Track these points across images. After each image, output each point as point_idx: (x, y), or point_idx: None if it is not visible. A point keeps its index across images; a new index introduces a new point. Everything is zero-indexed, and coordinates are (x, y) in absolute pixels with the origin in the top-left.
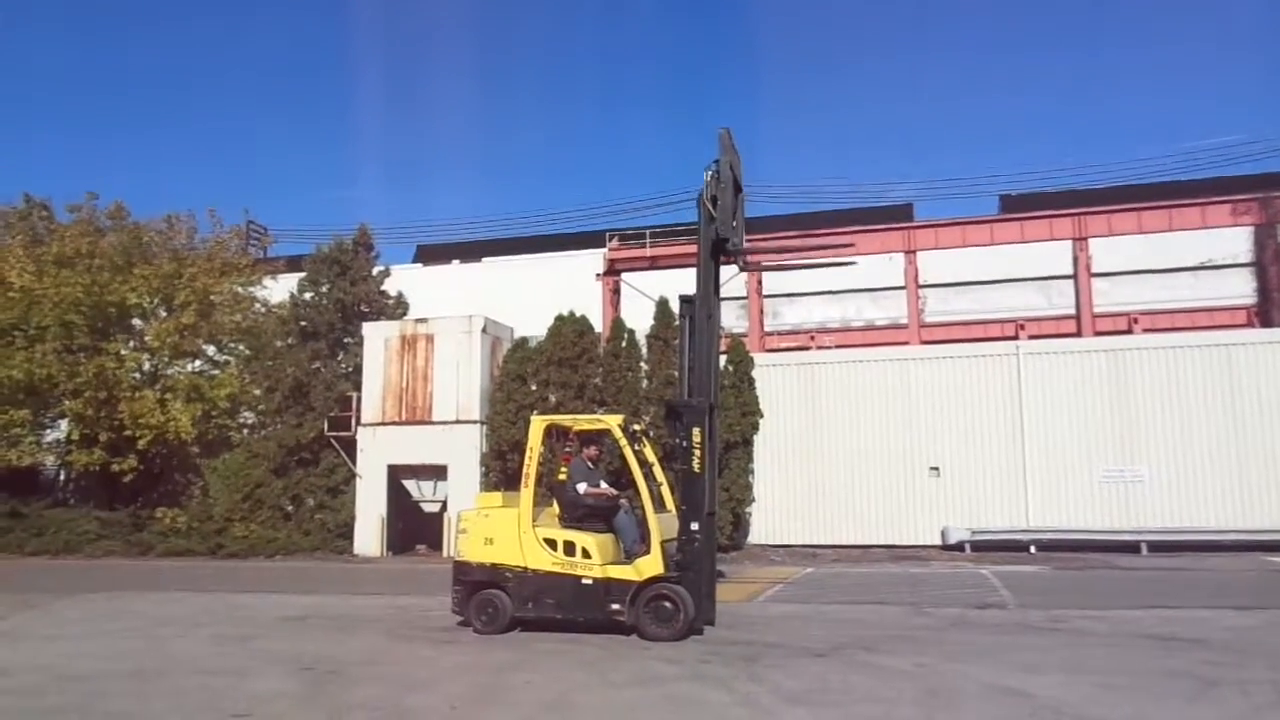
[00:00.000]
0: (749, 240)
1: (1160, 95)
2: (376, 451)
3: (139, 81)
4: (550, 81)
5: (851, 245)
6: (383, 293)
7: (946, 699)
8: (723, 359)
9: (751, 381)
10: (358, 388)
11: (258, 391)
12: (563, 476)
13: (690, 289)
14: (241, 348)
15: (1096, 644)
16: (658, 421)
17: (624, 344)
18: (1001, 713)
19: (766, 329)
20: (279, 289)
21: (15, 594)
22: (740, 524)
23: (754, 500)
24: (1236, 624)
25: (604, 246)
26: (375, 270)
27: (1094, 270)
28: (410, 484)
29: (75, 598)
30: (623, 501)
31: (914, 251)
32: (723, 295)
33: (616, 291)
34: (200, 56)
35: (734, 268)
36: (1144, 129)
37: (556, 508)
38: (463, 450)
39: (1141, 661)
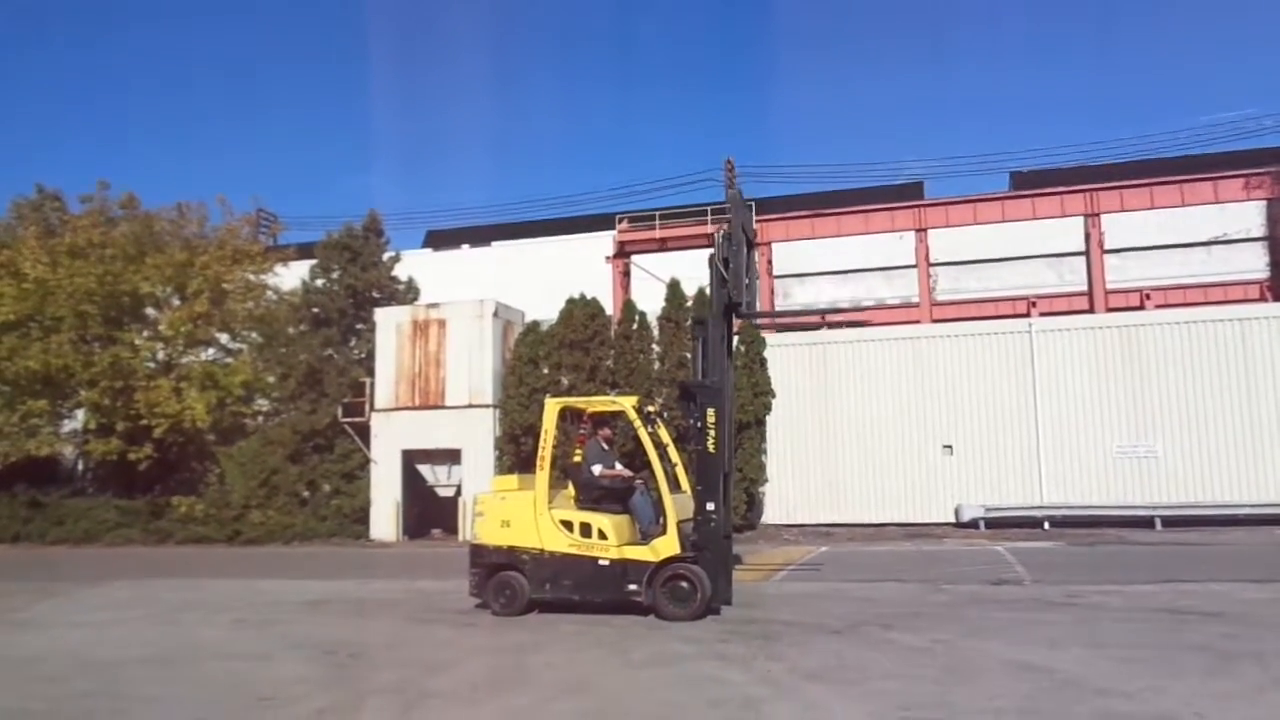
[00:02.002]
0: (782, 313)
1: (1172, 70)
2: (390, 437)
3: (148, 70)
4: (559, 64)
5: (866, 319)
6: (393, 278)
7: (965, 675)
8: (734, 339)
9: (764, 362)
10: (371, 373)
11: (271, 378)
12: (578, 459)
13: (695, 267)
14: (254, 335)
15: (1113, 619)
16: (671, 403)
17: (635, 326)
18: (1020, 688)
19: (778, 309)
20: (290, 276)
21: (38, 582)
22: (754, 504)
23: (767, 480)
24: (1252, 597)
25: (614, 229)
26: (386, 256)
27: (1106, 246)
28: (425, 469)
29: (97, 585)
30: (638, 483)
31: (925, 229)
32: None
33: (627, 274)
34: (209, 43)
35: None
36: (1156, 104)
37: (572, 490)
38: (476, 434)
39: (1158, 635)
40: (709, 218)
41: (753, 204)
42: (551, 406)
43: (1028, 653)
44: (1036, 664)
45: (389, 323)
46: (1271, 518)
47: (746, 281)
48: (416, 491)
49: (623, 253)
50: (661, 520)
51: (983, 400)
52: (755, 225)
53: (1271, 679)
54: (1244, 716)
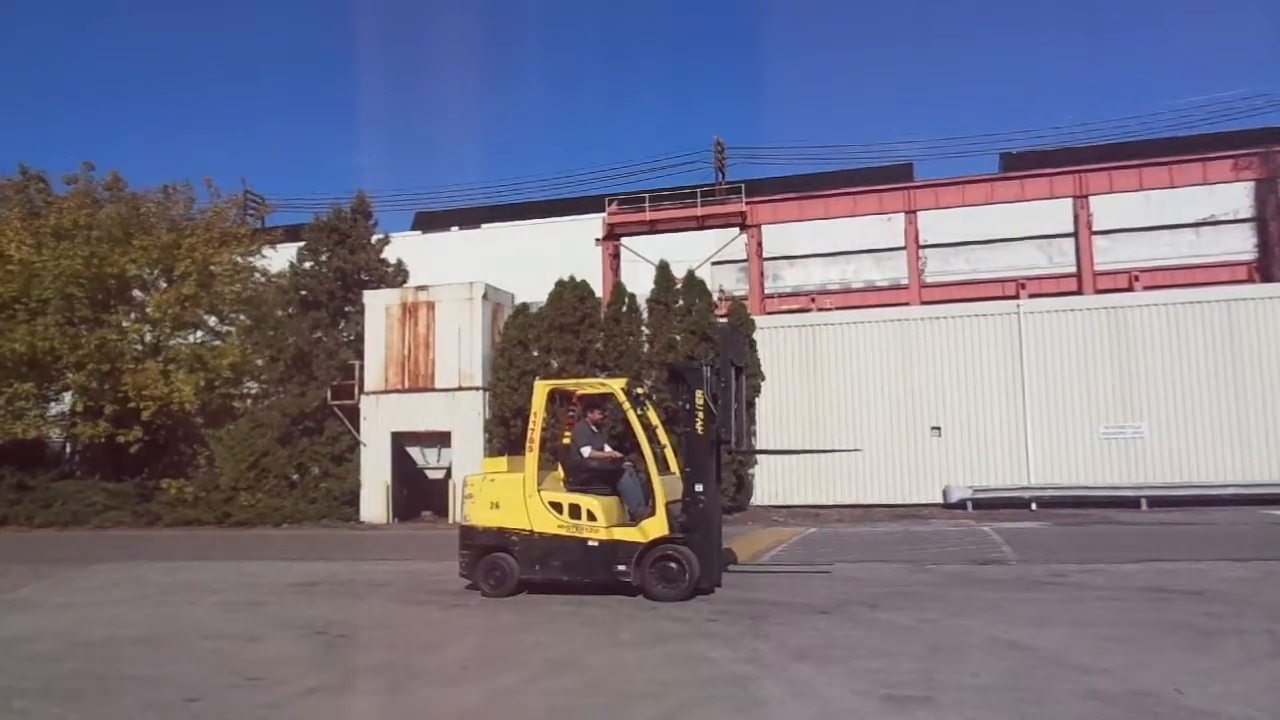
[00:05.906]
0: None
1: (1161, 51)
2: (380, 419)
3: (133, 51)
4: (549, 45)
5: (859, 450)
6: (382, 261)
7: (949, 653)
8: (723, 321)
9: (753, 344)
10: (360, 356)
11: (260, 361)
12: (567, 441)
13: (685, 249)
14: (242, 318)
15: (1097, 597)
16: (660, 385)
17: (624, 308)
18: (1004, 666)
19: (767, 291)
20: (278, 258)
21: (26, 564)
22: (743, 485)
23: (757, 462)
24: (1234, 576)
25: (603, 211)
26: (374, 238)
27: (1095, 228)
28: (414, 451)
29: (86, 567)
30: (627, 464)
31: (914, 211)
32: (723, 259)
33: (616, 256)
34: (196, 23)
35: (734, 230)
36: (1145, 85)
37: (561, 472)
38: (466, 417)
39: (1141, 614)
40: (698, 200)
41: (742, 186)
42: (541, 389)
43: (1012, 631)
44: (1021, 642)
45: (378, 305)
46: (1256, 498)
47: (736, 407)
48: (406, 474)
49: (612, 235)
50: (650, 501)
51: (971, 382)
52: (745, 207)
53: (1251, 656)
54: (1223, 693)
